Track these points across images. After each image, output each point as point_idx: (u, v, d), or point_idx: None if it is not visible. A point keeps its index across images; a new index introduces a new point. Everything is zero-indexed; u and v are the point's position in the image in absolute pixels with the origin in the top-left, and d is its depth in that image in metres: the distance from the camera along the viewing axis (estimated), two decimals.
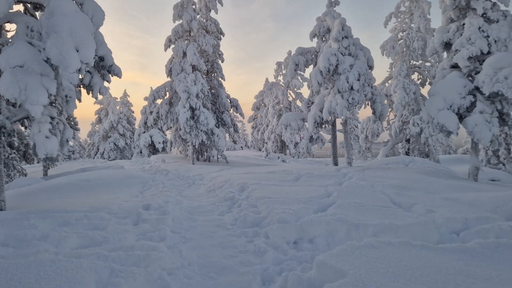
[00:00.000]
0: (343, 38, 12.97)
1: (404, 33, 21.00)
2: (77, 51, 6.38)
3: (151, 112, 23.19)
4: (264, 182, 9.16)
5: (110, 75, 8.22)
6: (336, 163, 15.25)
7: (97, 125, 50.08)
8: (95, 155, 46.90)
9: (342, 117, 12.48)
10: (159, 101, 22.35)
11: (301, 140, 36.05)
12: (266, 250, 4.84)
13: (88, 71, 8.01)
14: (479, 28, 11.58)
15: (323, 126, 13.95)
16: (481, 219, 6.52)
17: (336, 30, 12.87)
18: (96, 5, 7.19)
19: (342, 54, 12.82)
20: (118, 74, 8.21)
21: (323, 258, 4.06)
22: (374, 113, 13.61)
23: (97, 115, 50.14)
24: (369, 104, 13.72)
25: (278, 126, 35.70)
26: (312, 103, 15.59)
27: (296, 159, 32.60)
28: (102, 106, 49.49)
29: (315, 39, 15.34)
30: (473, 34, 11.54)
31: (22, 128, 21.14)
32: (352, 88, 12.54)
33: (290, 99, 35.66)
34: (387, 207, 6.94)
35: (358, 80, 12.48)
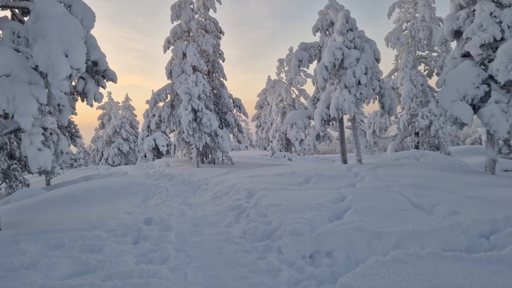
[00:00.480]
0: (347, 30, 12.42)
1: (409, 23, 20.36)
2: (67, 56, 5.91)
3: (153, 115, 22.69)
4: (272, 187, 8.66)
5: (104, 80, 7.74)
6: (345, 161, 14.71)
7: (100, 131, 49.75)
8: (100, 160, 46.63)
9: (350, 113, 11.95)
10: (161, 104, 21.92)
11: (306, 137, 35.53)
12: (280, 268, 4.34)
13: (82, 77, 7.55)
14: (491, 13, 10.99)
15: (331, 123, 13.43)
16: (510, 219, 6.01)
17: (340, 22, 12.32)
18: (85, 6, 6.71)
19: (347, 47, 12.28)
20: (113, 79, 7.73)
21: (348, 280, 3.56)
22: (382, 107, 13.06)
23: (100, 121, 49.79)
24: (377, 98, 13.16)
25: (282, 124, 35.21)
26: (318, 100, 15.05)
27: (302, 156, 32.09)
28: (104, 111, 49.15)
29: (318, 34, 14.80)
30: (484, 20, 10.97)
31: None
32: (359, 83, 11.99)
33: (294, 96, 35.08)
34: (407, 210, 6.43)
35: (366, 74, 11.94)
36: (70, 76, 6.00)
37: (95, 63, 7.47)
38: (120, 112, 47.34)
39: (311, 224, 5.52)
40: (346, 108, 11.88)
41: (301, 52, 14.37)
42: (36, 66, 5.99)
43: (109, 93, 48.46)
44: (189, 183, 14.37)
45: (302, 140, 35.20)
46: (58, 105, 7.01)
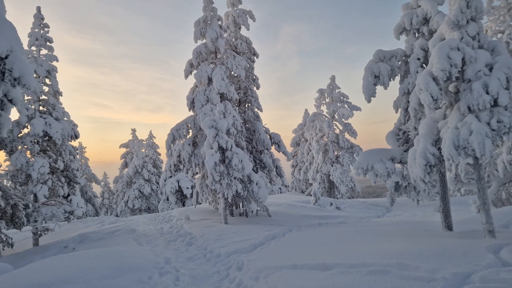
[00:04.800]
0: (468, 21, 7.74)
1: (504, 34, 15.56)
2: None
3: (175, 155, 18.21)
4: None
5: (8, 82, 3.26)
6: (449, 227, 9.60)
7: (124, 170, 46.13)
8: (120, 203, 42.64)
9: (482, 153, 7.04)
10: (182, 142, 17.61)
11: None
12: None
13: None
14: None
15: (437, 168, 8.52)
16: None
17: (457, 8, 7.65)
18: None
19: (469, 46, 7.57)
20: (27, 82, 3.23)
21: None
22: None
23: (123, 159, 46.35)
24: None
25: (324, 164, 30.17)
26: (404, 133, 10.18)
27: (350, 202, 26.75)
28: (128, 149, 45.79)
29: (404, 37, 10.19)
30: None
31: (10, 184, 16.76)
32: (496, 104, 7.15)
33: (337, 131, 30.20)
34: None
35: (507, 89, 7.10)
36: None
37: None
38: (143, 150, 43.69)
39: None
40: (475, 144, 6.97)
41: (378, 64, 9.71)
42: None
43: (133, 130, 45.27)
44: (213, 258, 9.59)
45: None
46: None
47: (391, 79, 9.89)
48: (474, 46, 7.67)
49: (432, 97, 7.39)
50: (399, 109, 10.25)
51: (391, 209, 25.46)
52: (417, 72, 9.34)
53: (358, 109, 29.53)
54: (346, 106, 29.75)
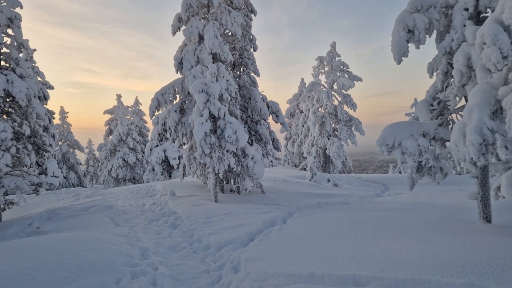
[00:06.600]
0: None
1: None
2: None
3: (160, 123, 16.09)
4: None
5: None
6: (488, 218, 7.96)
7: (108, 137, 43.78)
8: (104, 172, 40.63)
9: None
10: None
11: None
12: None
13: None
14: None
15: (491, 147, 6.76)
16: None
17: None
18: None
19: None
20: None
21: None
22: None
23: (107, 126, 43.89)
24: None
25: (321, 137, 28.42)
26: (440, 102, 8.30)
27: (344, 177, 25.24)
28: (112, 116, 43.27)
29: None
30: None
31: None
32: None
33: (336, 103, 28.28)
34: None
35: None
36: None
37: None
38: (128, 117, 41.34)
39: None
40: None
41: (413, 16, 7.72)
42: None
43: (119, 96, 42.70)
44: (200, 250, 7.81)
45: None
46: None
47: (429, 35, 7.93)
48: None
49: (501, 53, 5.49)
50: (435, 73, 8.35)
51: (389, 187, 24.00)
52: (464, 25, 7.40)
53: (359, 79, 27.53)
54: (346, 75, 27.70)
